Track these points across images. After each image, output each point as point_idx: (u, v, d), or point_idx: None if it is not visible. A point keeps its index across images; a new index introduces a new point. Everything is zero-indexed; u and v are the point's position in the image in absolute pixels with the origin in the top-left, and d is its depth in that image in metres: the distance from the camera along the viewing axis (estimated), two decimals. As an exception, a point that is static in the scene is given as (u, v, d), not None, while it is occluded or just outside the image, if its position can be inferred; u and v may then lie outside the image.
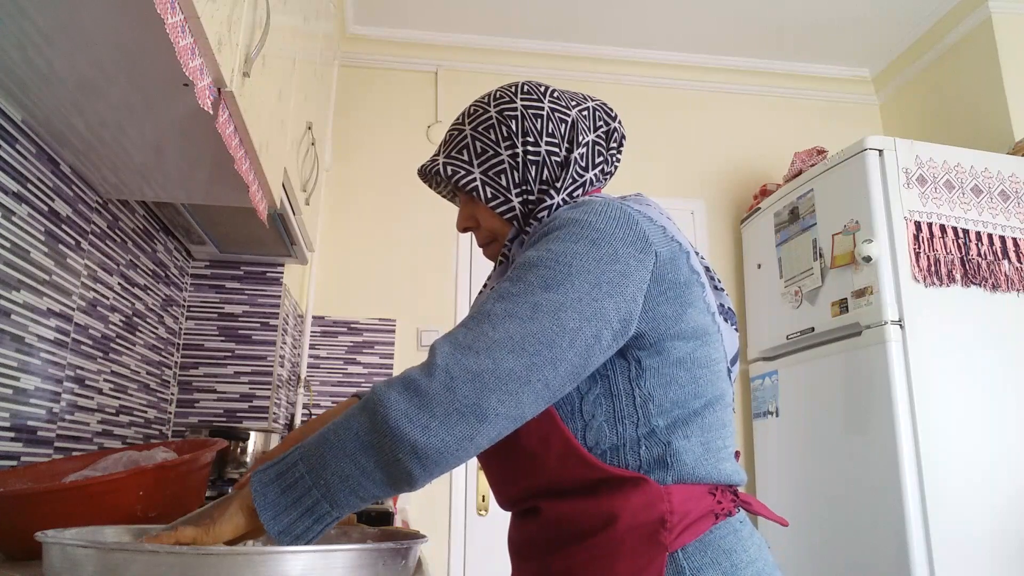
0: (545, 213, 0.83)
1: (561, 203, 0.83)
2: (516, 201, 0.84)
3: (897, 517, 1.93)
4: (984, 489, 1.97)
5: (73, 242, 1.36)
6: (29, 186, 1.19)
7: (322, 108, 2.39)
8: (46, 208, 1.25)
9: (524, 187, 0.84)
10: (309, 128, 1.94)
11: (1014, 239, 2.20)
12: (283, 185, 1.65)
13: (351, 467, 0.63)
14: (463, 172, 0.86)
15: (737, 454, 0.83)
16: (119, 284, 1.59)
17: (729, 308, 0.87)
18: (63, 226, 1.32)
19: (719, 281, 0.87)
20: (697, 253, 0.84)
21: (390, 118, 2.97)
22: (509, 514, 0.88)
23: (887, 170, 2.18)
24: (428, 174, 0.93)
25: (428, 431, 0.61)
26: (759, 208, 2.76)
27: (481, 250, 0.93)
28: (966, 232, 2.18)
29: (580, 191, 0.85)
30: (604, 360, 0.72)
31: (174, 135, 1.18)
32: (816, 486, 2.28)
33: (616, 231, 0.73)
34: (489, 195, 0.85)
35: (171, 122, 1.13)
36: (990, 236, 2.19)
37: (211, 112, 1.00)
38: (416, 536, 0.73)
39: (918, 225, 2.14)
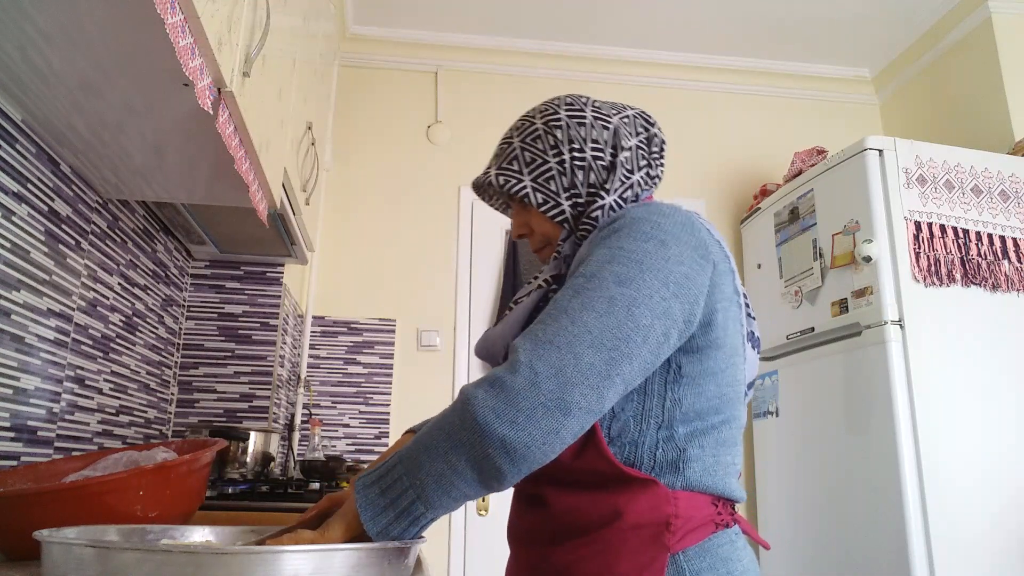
0: (599, 213, 0.85)
1: (614, 204, 0.86)
2: (566, 204, 0.88)
3: (897, 517, 1.93)
4: (984, 489, 1.97)
5: (73, 242, 1.36)
6: (29, 186, 1.19)
7: (322, 108, 2.39)
8: (46, 208, 1.25)
9: (573, 191, 0.88)
10: (309, 128, 1.94)
11: (1014, 239, 2.20)
12: (283, 185, 1.65)
13: (443, 466, 0.66)
14: (514, 181, 0.90)
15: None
16: (119, 284, 1.59)
17: (757, 336, 0.91)
18: (63, 226, 1.32)
19: (752, 310, 0.91)
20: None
21: (390, 118, 2.97)
22: (508, 514, 0.88)
23: (887, 170, 2.19)
24: (481, 187, 1.00)
25: (516, 425, 0.64)
26: (759, 208, 2.76)
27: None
28: (966, 232, 2.18)
29: (629, 192, 0.88)
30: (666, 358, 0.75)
31: (174, 135, 1.18)
32: (816, 486, 2.28)
33: (681, 234, 0.76)
34: (540, 200, 0.89)
35: (171, 122, 1.13)
36: (990, 236, 2.19)
37: (211, 112, 1.00)
38: (416, 536, 0.73)
39: (918, 225, 2.15)
